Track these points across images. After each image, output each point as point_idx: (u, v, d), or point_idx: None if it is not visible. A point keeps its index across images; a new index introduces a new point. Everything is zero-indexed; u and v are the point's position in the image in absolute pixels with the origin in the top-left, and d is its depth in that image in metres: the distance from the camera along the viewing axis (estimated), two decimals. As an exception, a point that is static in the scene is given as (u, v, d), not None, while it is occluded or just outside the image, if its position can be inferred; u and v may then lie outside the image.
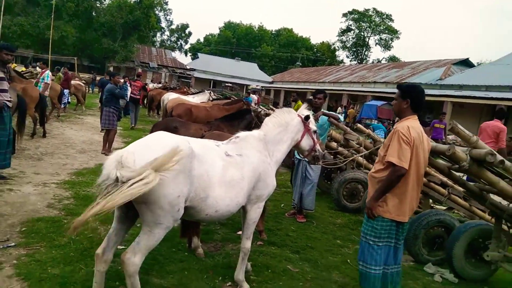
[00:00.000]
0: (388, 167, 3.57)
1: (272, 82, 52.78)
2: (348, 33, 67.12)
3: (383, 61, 59.47)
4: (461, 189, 5.19)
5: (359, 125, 6.43)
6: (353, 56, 68.66)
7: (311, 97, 6.41)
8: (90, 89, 30.18)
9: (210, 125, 7.01)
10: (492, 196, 4.67)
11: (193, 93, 19.16)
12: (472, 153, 3.59)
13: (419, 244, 5.25)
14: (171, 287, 3.77)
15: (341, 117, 6.20)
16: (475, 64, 32.95)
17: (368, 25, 64.24)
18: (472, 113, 24.52)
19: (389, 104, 24.71)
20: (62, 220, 5.03)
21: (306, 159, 4.43)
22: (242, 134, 3.89)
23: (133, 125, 15.31)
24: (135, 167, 2.84)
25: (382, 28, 63.72)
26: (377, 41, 66.05)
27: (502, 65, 26.83)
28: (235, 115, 7.20)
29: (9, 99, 6.28)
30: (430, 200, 6.48)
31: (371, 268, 3.65)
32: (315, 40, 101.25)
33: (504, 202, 4.68)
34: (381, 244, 3.64)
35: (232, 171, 3.49)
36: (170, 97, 14.26)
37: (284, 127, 4.04)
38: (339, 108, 31.45)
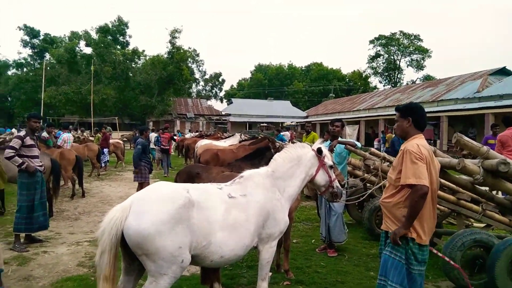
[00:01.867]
0: (402, 189, 3.42)
1: (307, 117, 52.85)
2: (378, 58, 66.74)
3: (417, 82, 58.29)
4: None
5: (372, 149, 6.23)
6: (386, 81, 67.87)
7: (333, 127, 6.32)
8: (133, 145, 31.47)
9: (231, 166, 7.04)
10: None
11: (226, 137, 19.58)
12: (484, 164, 3.37)
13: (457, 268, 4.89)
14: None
15: (358, 144, 6.04)
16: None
17: (397, 48, 63.68)
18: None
19: (428, 124, 23.97)
20: (89, 278, 5.11)
21: (324, 196, 4.28)
22: (246, 173, 3.87)
23: (165, 174, 16.08)
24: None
25: (412, 49, 62.93)
26: (408, 63, 65.18)
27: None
28: (254, 154, 7.19)
29: (40, 164, 6.64)
30: (469, 219, 6.10)
31: None
32: (345, 70, 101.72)
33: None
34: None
35: (235, 213, 3.46)
36: (201, 143, 14.58)
37: (296, 161, 3.98)
38: (381, 134, 30.80)
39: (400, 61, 65.55)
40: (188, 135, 28.56)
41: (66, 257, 5.99)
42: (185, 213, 3.13)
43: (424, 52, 62.62)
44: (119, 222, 3.05)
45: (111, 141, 18.61)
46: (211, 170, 6.96)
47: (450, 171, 4.49)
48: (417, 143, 3.43)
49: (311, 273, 5.40)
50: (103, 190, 12.68)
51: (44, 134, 12.52)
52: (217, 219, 3.34)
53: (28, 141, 6.39)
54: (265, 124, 45.00)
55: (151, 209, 3.10)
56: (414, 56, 63.89)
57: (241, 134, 17.84)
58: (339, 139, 5.93)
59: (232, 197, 3.54)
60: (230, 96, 76.07)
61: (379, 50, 65.72)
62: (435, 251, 3.77)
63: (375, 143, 28.15)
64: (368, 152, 5.97)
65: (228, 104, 65.92)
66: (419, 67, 64.27)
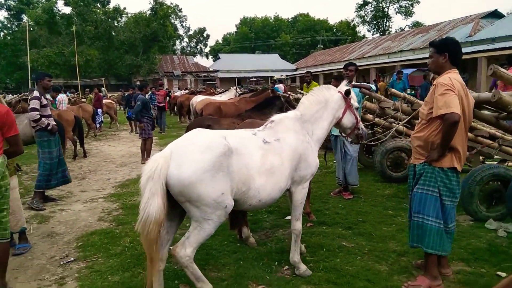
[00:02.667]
0: (434, 122, 3.42)
1: (296, 69, 52.24)
2: (366, 7, 65.33)
3: (406, 29, 57.52)
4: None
5: (392, 89, 6.18)
6: (375, 29, 66.87)
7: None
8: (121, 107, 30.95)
9: (242, 117, 6.96)
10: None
11: (219, 93, 19.38)
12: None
13: (476, 202, 5.02)
14: (229, 279, 3.76)
15: (373, 87, 5.99)
16: (505, 15, 31.19)
17: (385, -5, 62.33)
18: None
19: (420, 71, 23.88)
20: (114, 231, 5.14)
21: (349, 138, 4.24)
22: (276, 117, 3.80)
23: (161, 131, 16.13)
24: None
25: (400, -5, 61.67)
26: (397, 10, 63.94)
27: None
28: (264, 103, 7.11)
29: (54, 122, 6.50)
30: (481, 157, 6.20)
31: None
32: (333, 20, 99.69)
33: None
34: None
35: (271, 158, 3.44)
36: (198, 99, 14.40)
37: (323, 104, 3.90)
38: (372, 83, 30.71)
39: (388, 8, 64.31)
40: (178, 93, 28.09)
41: (84, 213, 5.99)
42: (224, 160, 3.10)
43: (413, -2, 61.42)
44: (164, 169, 3.01)
45: (104, 101, 18.27)
46: (222, 122, 6.89)
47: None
48: (450, 76, 3.39)
49: (331, 214, 5.50)
50: (103, 149, 12.60)
51: (49, 96, 12.21)
52: (255, 165, 3.32)
53: (44, 100, 6.23)
54: (255, 79, 44.39)
55: (192, 158, 3.05)
56: (403, 3, 62.64)
57: (236, 89, 17.63)
58: (353, 82, 5.85)
59: (267, 142, 3.50)
60: (215, 51, 74.49)
61: (367, -3, 64.26)
62: None
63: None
64: (389, 93, 5.91)
65: (214, 60, 64.63)
66: (408, 13, 63.20)
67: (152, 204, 2.97)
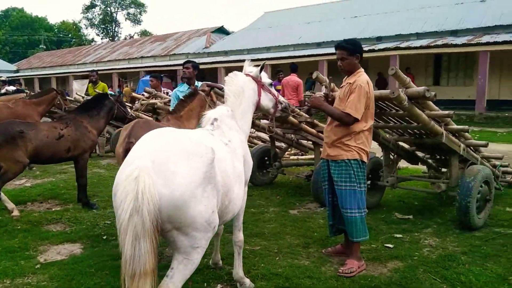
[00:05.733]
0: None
1: (18, 71, 45.22)
2: (93, 9, 62.94)
3: (135, 36, 58.43)
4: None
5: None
6: (103, 34, 65.18)
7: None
8: None
9: (65, 120, 5.63)
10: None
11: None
12: (408, 92, 4.07)
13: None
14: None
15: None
16: (229, 31, 36.10)
17: (114, 0, 61.67)
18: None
19: (166, 77, 24.77)
20: None
21: (274, 117, 3.94)
22: (215, 114, 3.22)
23: None
24: None
25: (128, 2, 62.19)
26: (126, 16, 64.30)
27: (254, 29, 30.54)
28: (90, 104, 5.96)
29: None
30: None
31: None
32: (53, 19, 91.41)
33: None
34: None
35: (236, 162, 2.97)
36: None
37: (241, 95, 3.43)
38: (118, 88, 29.74)
39: (117, 14, 63.92)
40: None
41: None
42: (212, 169, 2.46)
43: (141, 6, 63.04)
44: (153, 191, 2.16)
45: None
46: (39, 126, 5.47)
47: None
48: (367, 79, 3.80)
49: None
50: None
51: None
52: (230, 172, 2.80)
53: None
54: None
55: (180, 169, 2.30)
56: (131, 10, 63.48)
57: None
58: (208, 82, 5.62)
59: (227, 144, 3.00)
60: None
61: (95, 0, 61.89)
62: None
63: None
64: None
65: None
66: (137, 21, 64.46)
67: (137, 251, 2.14)
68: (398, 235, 4.65)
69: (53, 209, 5.79)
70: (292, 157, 7.83)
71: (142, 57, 34.11)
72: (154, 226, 2.16)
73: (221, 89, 5.80)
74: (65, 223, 5.20)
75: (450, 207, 5.58)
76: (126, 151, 3.58)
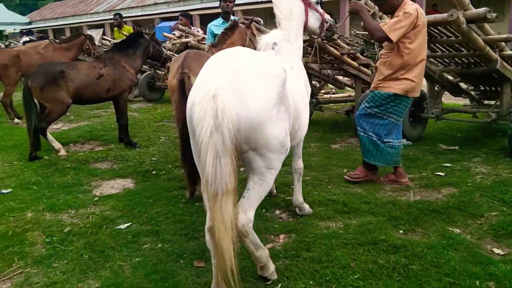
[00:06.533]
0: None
1: (30, 23, 44.75)
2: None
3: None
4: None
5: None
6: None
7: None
8: None
9: (103, 59, 5.58)
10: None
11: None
12: (467, 14, 3.86)
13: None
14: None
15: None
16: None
17: None
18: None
19: (184, 16, 24.25)
20: None
21: (322, 37, 3.86)
22: (273, 39, 3.07)
23: None
24: None
25: None
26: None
27: None
28: (127, 42, 5.86)
29: None
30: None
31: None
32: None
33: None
34: None
35: (301, 88, 2.91)
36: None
37: (291, 15, 3.22)
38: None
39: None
40: None
41: None
42: (285, 90, 2.38)
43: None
44: (232, 110, 2.10)
45: None
46: (79, 66, 5.45)
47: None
48: (416, 7, 3.63)
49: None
50: None
51: None
52: (299, 97, 2.73)
53: None
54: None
55: (256, 89, 2.23)
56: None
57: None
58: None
59: (291, 68, 2.88)
60: None
61: None
62: None
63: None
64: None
65: None
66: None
67: (218, 169, 2.09)
68: (447, 164, 4.61)
69: (96, 149, 5.88)
70: (324, 95, 7.71)
71: (155, 3, 33.22)
72: (233, 145, 2.14)
73: (258, 22, 5.64)
74: (111, 161, 5.29)
75: (495, 138, 5.49)
76: (181, 82, 3.52)
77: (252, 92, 2.22)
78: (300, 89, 2.84)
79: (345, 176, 4.24)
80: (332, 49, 5.37)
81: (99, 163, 5.25)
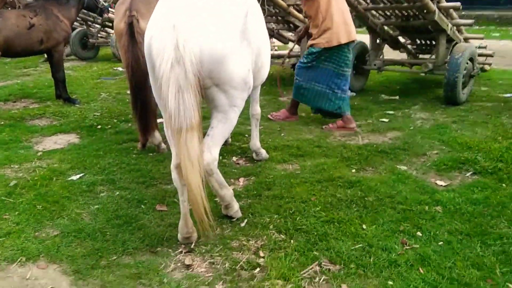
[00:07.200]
0: None
1: None
2: None
3: None
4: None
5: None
6: None
7: None
8: None
9: (33, 7, 5.11)
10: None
11: None
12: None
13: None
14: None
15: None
16: None
17: None
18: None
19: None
20: None
21: None
22: None
23: None
24: None
25: None
26: None
27: None
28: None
29: None
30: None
31: None
32: None
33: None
34: None
35: (262, 26, 2.84)
36: None
37: None
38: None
39: None
40: None
41: None
42: (247, 23, 2.34)
43: None
44: (194, 41, 2.05)
45: None
46: (7, 15, 4.96)
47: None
48: None
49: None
50: None
51: None
52: (260, 34, 2.69)
53: None
54: None
55: (218, 21, 2.17)
56: None
57: None
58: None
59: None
60: None
61: None
62: None
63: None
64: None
65: None
66: None
67: (180, 104, 2.04)
68: (390, 112, 4.87)
69: (31, 107, 5.48)
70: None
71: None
72: (196, 79, 2.09)
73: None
74: (50, 118, 4.97)
75: (431, 88, 5.86)
76: (130, 25, 3.32)
77: (214, 23, 2.16)
78: (260, 27, 2.80)
79: (269, 116, 4.72)
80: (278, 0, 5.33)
81: (36, 120, 4.92)
